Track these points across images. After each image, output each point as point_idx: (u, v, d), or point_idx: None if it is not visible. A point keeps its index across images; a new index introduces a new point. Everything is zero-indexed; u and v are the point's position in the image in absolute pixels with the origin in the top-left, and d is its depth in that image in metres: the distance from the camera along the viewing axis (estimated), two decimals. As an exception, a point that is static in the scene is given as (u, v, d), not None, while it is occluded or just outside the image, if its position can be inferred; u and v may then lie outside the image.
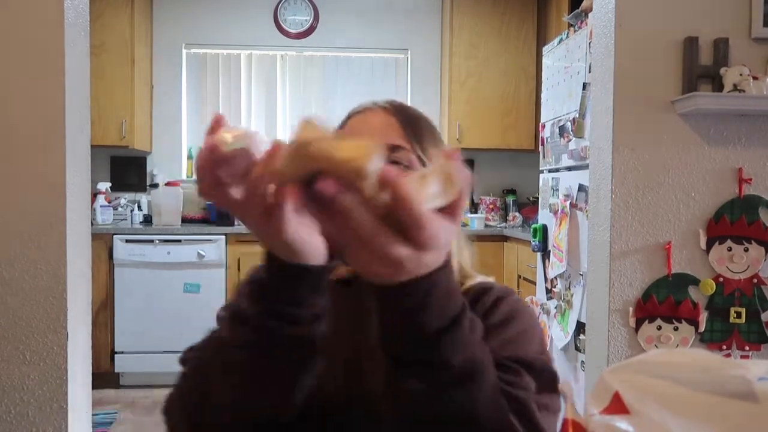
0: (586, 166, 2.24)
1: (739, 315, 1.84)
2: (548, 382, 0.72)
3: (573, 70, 2.68)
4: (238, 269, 3.93)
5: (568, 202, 2.65)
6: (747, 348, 1.85)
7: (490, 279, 0.87)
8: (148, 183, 4.44)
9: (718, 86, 1.80)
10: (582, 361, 2.45)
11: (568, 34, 2.78)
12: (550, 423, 0.67)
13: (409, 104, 0.90)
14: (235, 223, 4.22)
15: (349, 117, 0.89)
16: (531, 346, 0.77)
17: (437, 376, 0.57)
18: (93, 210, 3.96)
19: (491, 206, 4.45)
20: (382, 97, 0.91)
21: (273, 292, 0.61)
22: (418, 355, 0.57)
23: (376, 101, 0.89)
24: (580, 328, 2.50)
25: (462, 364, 0.57)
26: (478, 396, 0.59)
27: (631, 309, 1.83)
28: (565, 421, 0.55)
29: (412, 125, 0.85)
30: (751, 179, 1.83)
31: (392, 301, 0.55)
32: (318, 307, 0.63)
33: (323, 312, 0.63)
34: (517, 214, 4.34)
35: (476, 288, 0.84)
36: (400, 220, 0.49)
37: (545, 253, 2.94)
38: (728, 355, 1.86)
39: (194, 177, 0.53)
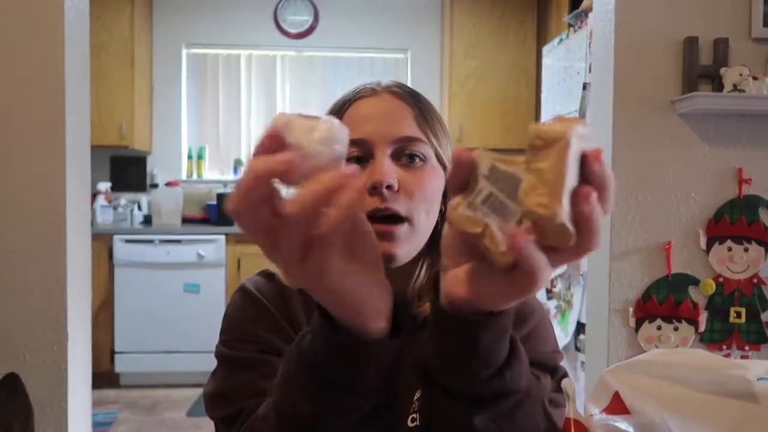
0: (586, 166, 2.23)
1: (739, 315, 1.84)
2: (559, 380, 0.73)
3: (573, 70, 2.68)
4: (238, 269, 3.93)
5: (568, 202, 2.64)
6: (747, 348, 1.85)
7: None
8: (148, 183, 4.44)
9: (718, 86, 1.80)
10: (582, 361, 2.45)
11: (568, 34, 2.78)
12: (559, 417, 0.68)
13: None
14: (235, 223, 4.22)
15: (350, 101, 0.78)
16: (545, 343, 0.77)
17: (507, 404, 0.55)
18: (93, 210, 3.96)
19: (491, 206, 4.45)
20: (385, 79, 0.81)
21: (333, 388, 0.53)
22: (492, 389, 0.54)
23: (381, 83, 0.79)
24: (580, 328, 2.50)
25: (526, 385, 0.56)
26: (535, 411, 0.59)
27: (631, 309, 1.83)
28: (566, 421, 0.55)
29: (425, 112, 0.76)
30: (751, 179, 1.83)
31: (470, 336, 0.51)
32: (380, 378, 0.55)
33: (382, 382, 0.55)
34: (517, 214, 4.34)
35: None
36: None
37: (545, 253, 2.94)
38: (728, 355, 1.86)
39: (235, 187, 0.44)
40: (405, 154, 0.74)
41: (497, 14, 4.27)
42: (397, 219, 0.72)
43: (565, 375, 0.75)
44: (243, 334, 0.76)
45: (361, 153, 0.74)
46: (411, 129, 0.74)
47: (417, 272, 0.77)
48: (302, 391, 0.54)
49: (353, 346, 0.51)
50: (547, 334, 0.79)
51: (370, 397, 0.54)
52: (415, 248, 0.74)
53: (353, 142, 0.73)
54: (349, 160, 0.74)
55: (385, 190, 0.70)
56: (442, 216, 0.79)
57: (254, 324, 0.76)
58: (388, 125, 0.74)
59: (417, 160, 0.74)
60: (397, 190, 0.72)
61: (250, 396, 0.68)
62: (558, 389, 0.73)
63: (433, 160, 0.76)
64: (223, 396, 0.72)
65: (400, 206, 0.72)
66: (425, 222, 0.74)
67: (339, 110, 0.78)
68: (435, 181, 0.75)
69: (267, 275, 0.82)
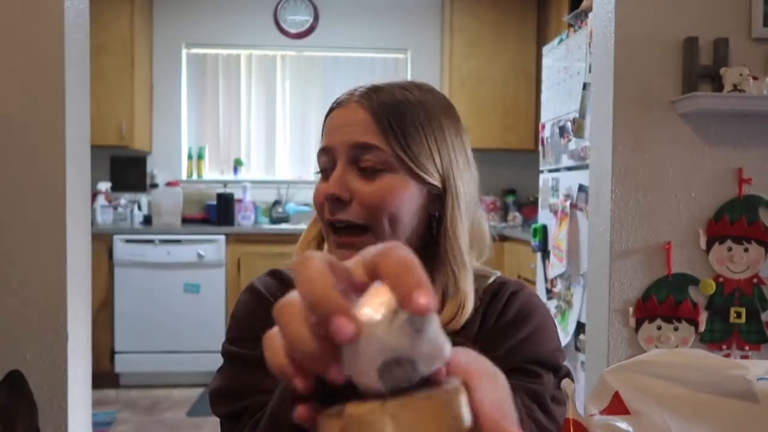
0: (586, 166, 2.23)
1: (739, 315, 1.84)
2: (561, 378, 0.74)
3: (573, 70, 2.68)
4: (238, 269, 3.93)
5: (568, 203, 2.65)
6: (747, 348, 1.85)
7: (498, 273, 0.86)
8: (148, 183, 4.44)
9: (718, 86, 1.80)
10: (582, 361, 2.45)
11: (568, 34, 2.78)
12: (560, 413, 0.69)
13: (403, 88, 0.79)
14: (235, 223, 4.22)
15: (330, 111, 0.80)
16: (547, 342, 0.78)
17: None
18: (93, 210, 3.95)
19: (491, 206, 4.45)
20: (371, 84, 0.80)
21: None
22: None
23: (355, 91, 0.79)
24: (580, 328, 2.50)
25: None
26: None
27: (631, 309, 1.83)
28: (566, 421, 0.55)
29: (390, 120, 0.75)
30: (751, 179, 1.83)
31: None
32: None
33: None
34: (517, 214, 4.34)
35: (495, 284, 0.84)
36: None
37: (545, 253, 2.94)
38: (728, 355, 1.86)
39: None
40: (360, 166, 0.75)
41: (497, 14, 4.27)
42: (360, 229, 0.73)
43: (568, 374, 0.75)
44: (249, 332, 0.76)
45: (327, 163, 0.77)
46: (367, 136, 0.74)
47: None
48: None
49: None
50: (549, 333, 0.80)
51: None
52: None
53: (323, 151, 0.78)
54: (321, 170, 0.79)
55: (334, 202, 0.73)
56: (438, 222, 0.78)
57: (261, 323, 0.75)
58: (345, 134, 0.75)
59: (372, 170, 0.74)
60: (350, 201, 0.73)
61: (255, 393, 0.68)
62: (560, 387, 0.73)
63: (396, 169, 0.75)
64: (229, 393, 0.72)
65: (352, 216, 0.73)
66: (390, 232, 0.74)
67: (325, 119, 0.82)
68: (397, 192, 0.74)
69: (275, 274, 0.83)
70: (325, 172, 0.77)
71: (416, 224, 0.77)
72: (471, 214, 0.81)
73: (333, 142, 0.76)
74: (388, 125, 0.75)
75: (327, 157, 0.77)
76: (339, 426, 0.32)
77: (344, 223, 0.73)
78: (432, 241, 0.78)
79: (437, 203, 0.78)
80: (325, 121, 0.80)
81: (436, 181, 0.77)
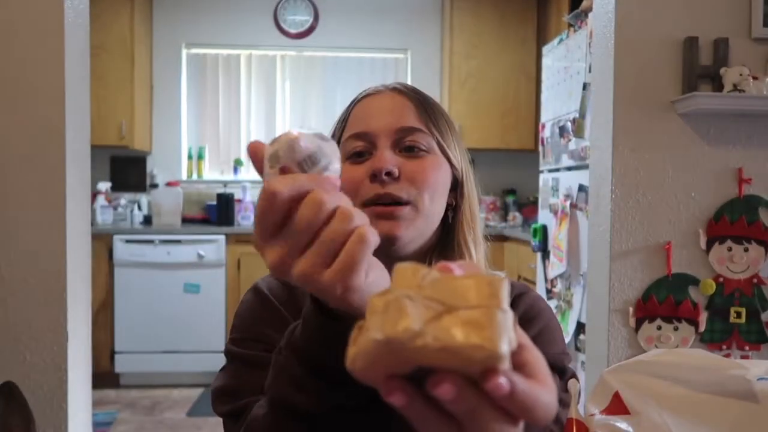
0: (586, 166, 2.23)
1: (739, 315, 1.84)
2: (567, 380, 0.74)
3: (573, 70, 2.68)
4: (238, 269, 3.93)
5: (568, 203, 2.65)
6: (747, 348, 1.85)
7: (503, 274, 0.86)
8: (148, 183, 4.44)
9: (718, 86, 1.80)
10: (582, 361, 2.45)
11: (568, 34, 2.78)
12: (565, 416, 0.69)
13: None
14: (235, 223, 4.22)
15: (355, 103, 0.83)
16: (552, 345, 0.78)
17: None
18: (93, 210, 3.95)
19: (491, 206, 4.45)
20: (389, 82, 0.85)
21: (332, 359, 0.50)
22: None
23: (385, 84, 0.84)
24: (580, 328, 2.50)
25: None
26: None
27: (631, 309, 1.83)
28: (569, 421, 0.55)
29: (427, 107, 0.80)
30: (751, 179, 1.83)
31: None
32: None
33: None
34: (517, 214, 4.35)
35: None
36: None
37: (545, 253, 2.94)
38: (728, 355, 1.86)
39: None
40: (405, 145, 0.77)
41: (497, 14, 4.27)
42: (399, 204, 0.75)
43: (573, 376, 0.75)
44: (252, 333, 0.77)
45: (364, 147, 0.77)
46: (411, 120, 0.78)
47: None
48: (294, 382, 0.54)
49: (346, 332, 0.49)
50: (555, 335, 0.80)
51: (362, 387, 0.53)
52: (419, 233, 0.76)
53: (357, 136, 0.78)
54: (353, 155, 0.78)
55: (385, 177, 0.74)
56: (454, 210, 0.82)
57: (264, 324, 0.77)
58: (389, 118, 0.78)
59: (417, 150, 0.77)
60: (398, 177, 0.75)
61: (257, 393, 0.69)
62: (566, 389, 0.73)
63: (437, 152, 0.79)
64: (230, 392, 0.73)
65: (401, 192, 0.75)
66: (430, 207, 0.77)
67: (347, 109, 0.83)
68: (438, 170, 0.78)
69: None
70: (361, 155, 0.78)
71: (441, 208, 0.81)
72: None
73: (373, 126, 0.78)
74: (425, 112, 0.79)
75: (364, 141, 0.78)
76: (384, 300, 0.36)
77: (392, 198, 0.75)
78: (447, 231, 0.82)
79: (455, 193, 0.82)
80: (349, 110, 0.82)
81: (457, 172, 0.82)
